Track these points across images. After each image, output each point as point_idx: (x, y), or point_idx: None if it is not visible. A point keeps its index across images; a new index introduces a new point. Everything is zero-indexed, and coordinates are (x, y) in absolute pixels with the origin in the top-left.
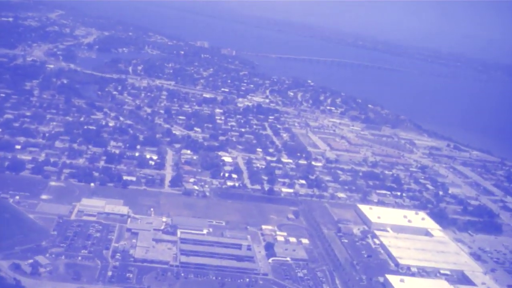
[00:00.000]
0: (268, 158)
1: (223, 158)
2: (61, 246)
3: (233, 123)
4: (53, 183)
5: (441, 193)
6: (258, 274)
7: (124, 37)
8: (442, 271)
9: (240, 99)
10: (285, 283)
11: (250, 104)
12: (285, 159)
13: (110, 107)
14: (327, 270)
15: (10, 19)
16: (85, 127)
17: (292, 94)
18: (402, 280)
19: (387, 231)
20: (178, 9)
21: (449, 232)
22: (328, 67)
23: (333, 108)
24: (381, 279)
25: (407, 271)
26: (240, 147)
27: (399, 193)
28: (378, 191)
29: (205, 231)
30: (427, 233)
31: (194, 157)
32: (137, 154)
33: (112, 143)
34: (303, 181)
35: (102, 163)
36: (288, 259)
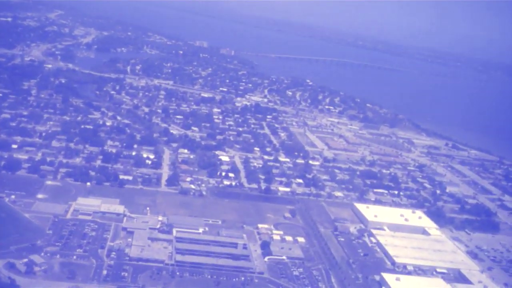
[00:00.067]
0: (266, 157)
1: (220, 157)
2: (56, 245)
3: (231, 123)
4: (49, 182)
5: (438, 191)
6: (253, 273)
7: (123, 37)
8: (438, 270)
9: (238, 99)
10: (281, 281)
11: (248, 103)
12: (282, 158)
13: (107, 106)
14: (323, 268)
15: (9, 19)
16: (82, 126)
17: (290, 93)
18: (398, 279)
19: (383, 229)
20: (178, 9)
21: (446, 230)
22: (327, 67)
23: (331, 108)
24: (377, 278)
25: (403, 269)
26: (237, 146)
27: (396, 192)
28: (375, 190)
29: (200, 230)
30: (424, 231)
31: (191, 156)
32: (134, 153)
33: (109, 142)
34: (300, 180)
35: (98, 163)
36: (284, 257)
